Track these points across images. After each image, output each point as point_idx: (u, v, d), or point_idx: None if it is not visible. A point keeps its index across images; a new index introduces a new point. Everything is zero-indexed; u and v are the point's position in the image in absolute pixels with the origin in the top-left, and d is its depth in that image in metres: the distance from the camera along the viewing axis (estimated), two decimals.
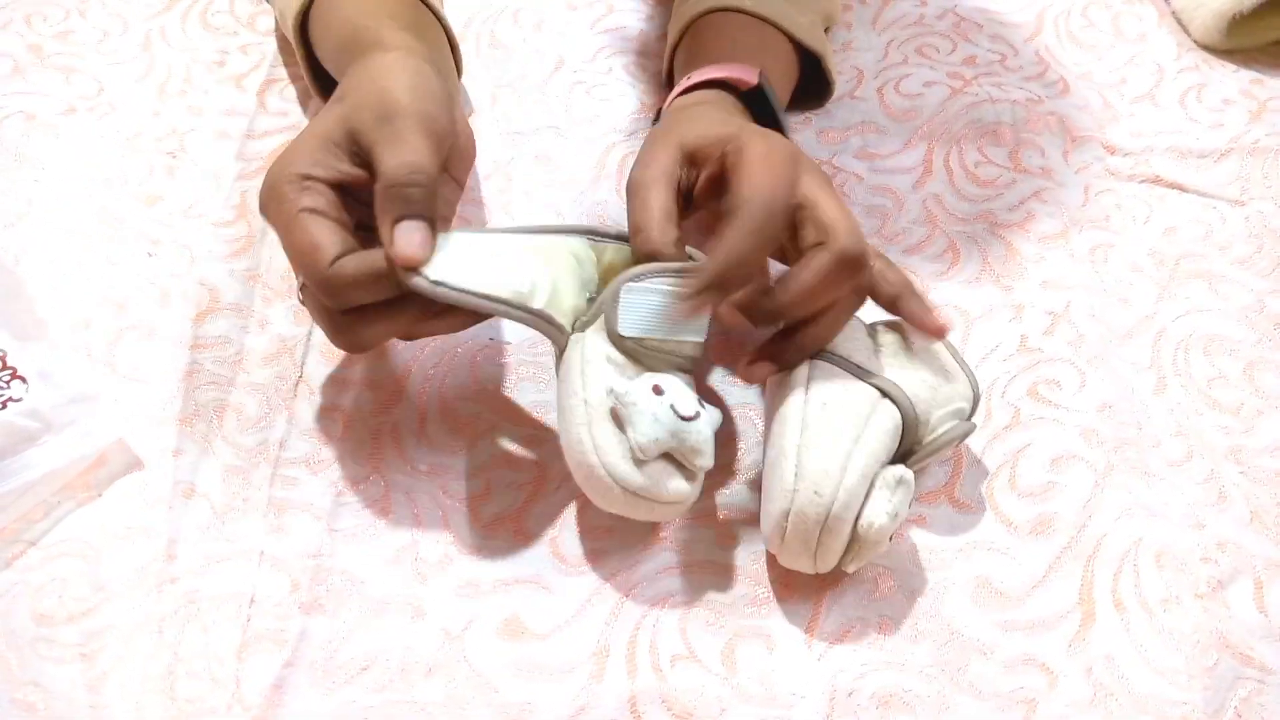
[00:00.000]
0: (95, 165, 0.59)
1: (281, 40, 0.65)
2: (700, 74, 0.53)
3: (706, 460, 0.44)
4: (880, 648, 0.45)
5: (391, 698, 0.43)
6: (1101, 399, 0.52)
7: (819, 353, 0.47)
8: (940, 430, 0.46)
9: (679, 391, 0.44)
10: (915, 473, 0.45)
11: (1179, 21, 0.70)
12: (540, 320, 0.44)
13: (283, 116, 0.62)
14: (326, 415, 0.51)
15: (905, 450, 0.46)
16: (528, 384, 0.52)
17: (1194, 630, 0.45)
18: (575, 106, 0.64)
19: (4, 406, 0.47)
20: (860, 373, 0.46)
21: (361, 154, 0.45)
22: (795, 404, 0.45)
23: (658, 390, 0.43)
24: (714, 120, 0.49)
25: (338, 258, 0.43)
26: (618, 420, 0.43)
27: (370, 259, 0.43)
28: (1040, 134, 0.63)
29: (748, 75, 0.53)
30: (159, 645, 0.44)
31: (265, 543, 0.47)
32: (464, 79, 0.66)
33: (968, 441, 0.51)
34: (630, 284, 0.45)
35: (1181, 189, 0.62)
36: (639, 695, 0.43)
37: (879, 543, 0.43)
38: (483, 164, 0.61)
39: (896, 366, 0.47)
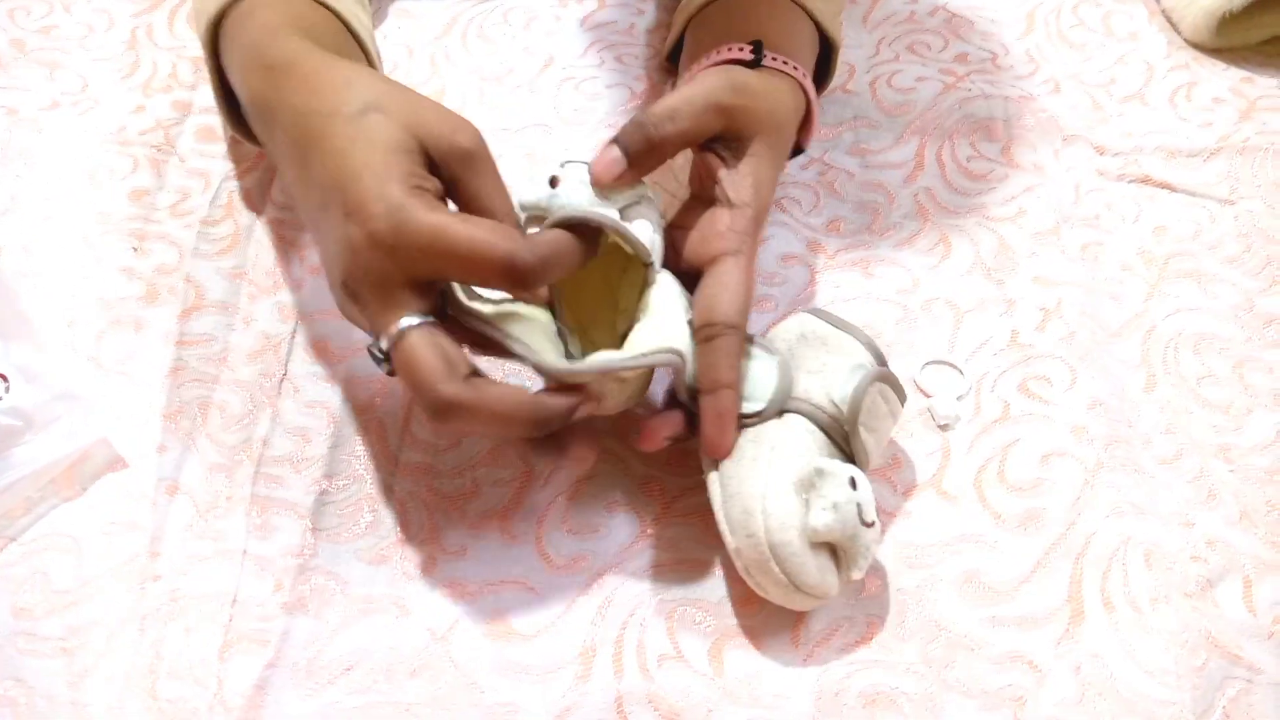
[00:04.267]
0: (80, 161, 0.59)
1: None
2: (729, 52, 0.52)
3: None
4: (867, 646, 0.44)
5: (375, 699, 0.43)
6: (1092, 396, 0.52)
7: None
8: (853, 394, 0.45)
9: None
10: (874, 466, 0.45)
11: (1169, 20, 0.70)
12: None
13: None
14: (310, 413, 0.50)
15: (845, 437, 0.45)
16: (513, 380, 0.52)
17: (1183, 629, 0.45)
18: (564, 103, 0.63)
19: None
20: (749, 420, 0.45)
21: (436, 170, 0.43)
22: (712, 482, 0.45)
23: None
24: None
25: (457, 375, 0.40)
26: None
27: (513, 395, 0.40)
28: (1032, 131, 0.63)
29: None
30: (141, 644, 0.43)
31: (248, 542, 0.46)
32: (451, 72, 0.66)
33: (956, 434, 0.51)
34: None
35: (1171, 188, 0.61)
36: (625, 695, 0.43)
37: (854, 536, 0.42)
38: None
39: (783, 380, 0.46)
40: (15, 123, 0.60)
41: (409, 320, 0.40)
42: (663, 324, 0.45)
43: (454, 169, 0.43)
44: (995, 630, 0.45)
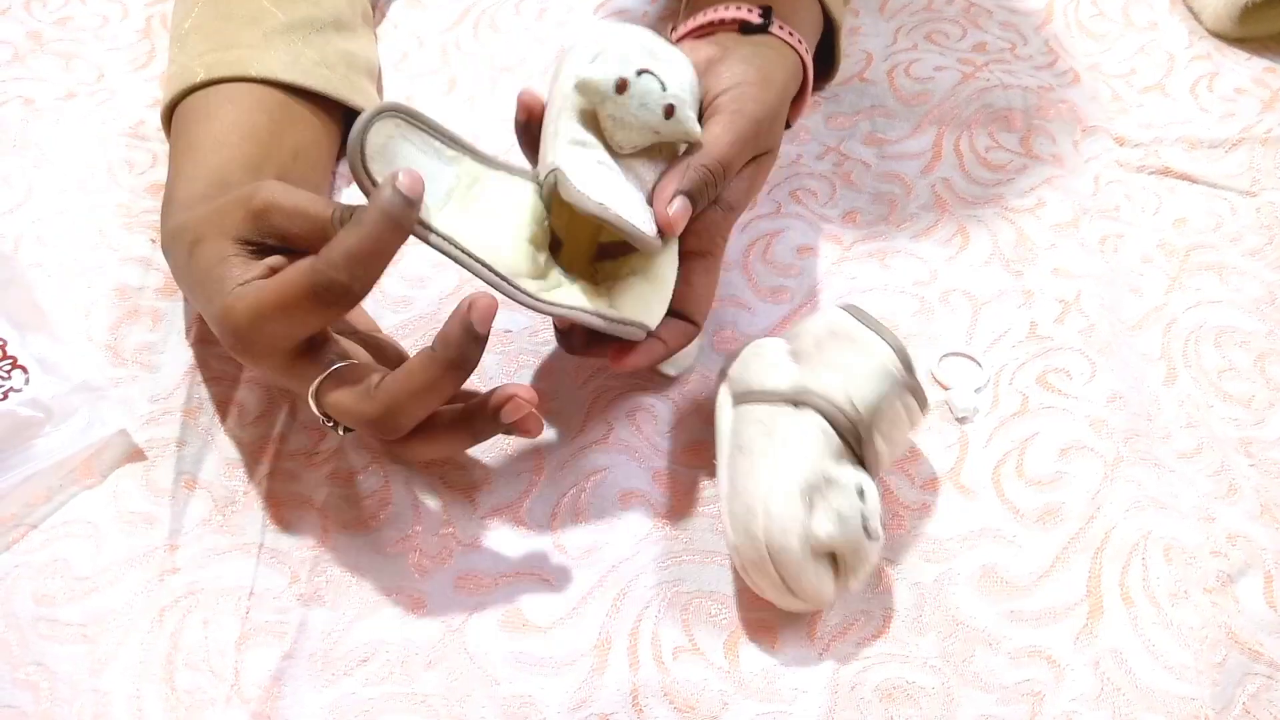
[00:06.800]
0: (97, 151, 0.59)
1: None
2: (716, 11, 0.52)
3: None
4: (884, 640, 0.44)
5: (391, 690, 0.43)
6: (1111, 389, 0.51)
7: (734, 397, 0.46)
8: (875, 400, 0.44)
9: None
10: (884, 466, 0.45)
11: (1190, 10, 0.69)
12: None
13: None
14: None
15: (859, 441, 0.44)
16: (526, 373, 0.52)
17: (1202, 625, 0.45)
18: None
19: (4, 397, 0.47)
20: (766, 397, 0.45)
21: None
22: (721, 462, 0.45)
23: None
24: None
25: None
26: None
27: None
28: (1051, 121, 0.63)
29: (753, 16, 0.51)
30: (159, 634, 0.43)
31: (265, 536, 0.46)
32: (462, 62, 0.65)
33: (974, 427, 0.50)
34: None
35: (1192, 180, 0.61)
36: (641, 688, 0.43)
37: (855, 549, 0.42)
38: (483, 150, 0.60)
39: (803, 370, 0.45)
40: (32, 113, 0.60)
41: (311, 388, 0.43)
42: (654, 297, 0.46)
43: (268, 227, 0.43)
44: (1013, 625, 0.45)
